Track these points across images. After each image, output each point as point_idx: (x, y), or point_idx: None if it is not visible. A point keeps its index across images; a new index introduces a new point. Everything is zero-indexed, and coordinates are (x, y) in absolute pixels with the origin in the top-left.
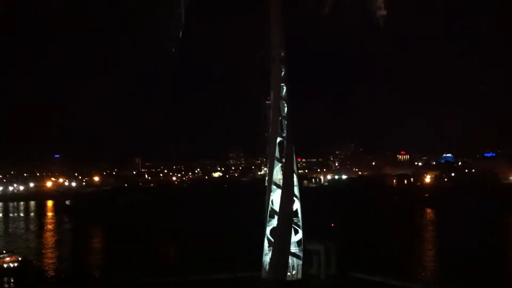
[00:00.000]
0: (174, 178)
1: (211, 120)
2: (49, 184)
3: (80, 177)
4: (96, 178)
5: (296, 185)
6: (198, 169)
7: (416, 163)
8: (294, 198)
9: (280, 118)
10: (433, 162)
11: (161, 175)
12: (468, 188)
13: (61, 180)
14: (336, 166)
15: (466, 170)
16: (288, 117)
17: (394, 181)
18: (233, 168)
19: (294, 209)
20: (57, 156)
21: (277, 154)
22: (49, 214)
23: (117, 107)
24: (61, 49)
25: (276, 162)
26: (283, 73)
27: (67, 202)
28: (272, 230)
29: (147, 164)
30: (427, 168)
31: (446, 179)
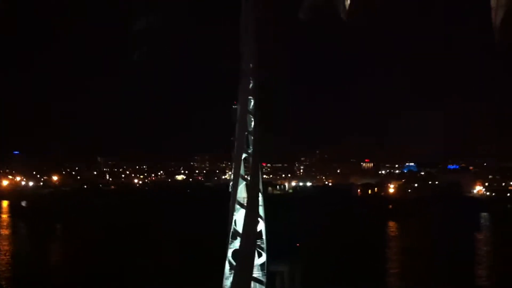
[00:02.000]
0: (136, 181)
1: (178, 120)
2: (5, 183)
3: (38, 176)
4: (55, 178)
5: (261, 205)
6: (161, 172)
7: (380, 171)
8: (259, 218)
9: (246, 133)
10: (397, 171)
11: (123, 176)
12: (433, 200)
13: (18, 178)
14: (301, 172)
15: (430, 182)
16: (255, 132)
17: (359, 190)
18: (196, 171)
19: (259, 230)
20: (16, 152)
21: (242, 171)
22: (3, 216)
23: (85, 102)
24: None
25: (240, 180)
26: (251, 85)
27: (23, 204)
28: (234, 252)
29: (110, 162)
30: (390, 177)
31: (409, 190)
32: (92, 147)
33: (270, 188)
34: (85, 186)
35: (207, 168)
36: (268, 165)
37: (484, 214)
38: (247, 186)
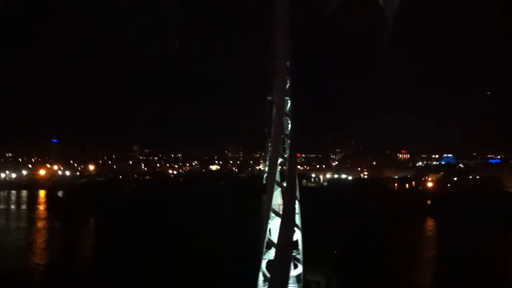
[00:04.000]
0: (170, 171)
1: (212, 110)
2: (42, 172)
3: (75, 165)
4: (92, 167)
5: (298, 213)
6: (195, 162)
7: (416, 163)
8: (295, 228)
9: (282, 136)
10: (434, 162)
11: (157, 165)
12: (473, 195)
13: (55, 167)
14: (336, 164)
15: (470, 177)
16: (292, 136)
17: (396, 184)
18: (231, 161)
19: (295, 239)
20: (55, 141)
21: (277, 177)
22: (41, 207)
23: (118, 91)
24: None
25: (276, 186)
26: (287, 85)
27: (59, 194)
28: (268, 263)
29: (146, 151)
30: (428, 169)
31: (449, 184)
32: (129, 135)
33: (304, 181)
34: (120, 176)
35: (240, 158)
36: (302, 155)
37: None
38: (283, 192)
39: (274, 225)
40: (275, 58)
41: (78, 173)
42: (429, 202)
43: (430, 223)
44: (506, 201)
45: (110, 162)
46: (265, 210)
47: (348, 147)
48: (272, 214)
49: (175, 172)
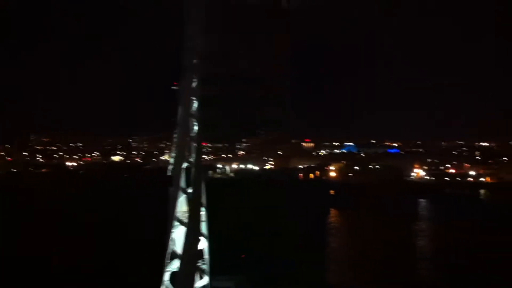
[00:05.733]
0: (69, 163)
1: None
2: None
3: None
4: None
5: (204, 221)
6: (97, 152)
7: (320, 152)
8: (201, 237)
9: (188, 139)
10: (336, 150)
11: (55, 156)
12: (374, 185)
13: None
14: (243, 153)
15: (371, 167)
16: (198, 139)
17: (301, 174)
18: (134, 152)
19: (200, 249)
20: None
21: (182, 183)
22: None
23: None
24: None
25: (180, 192)
26: (194, 84)
27: None
28: (172, 275)
29: (45, 140)
30: (330, 158)
31: (351, 174)
32: (24, 124)
33: (210, 172)
34: (13, 170)
35: (145, 149)
36: (209, 144)
37: (423, 200)
38: (188, 200)
39: (178, 234)
40: (182, 54)
41: None
42: (332, 192)
43: (334, 214)
44: (405, 189)
45: (3, 153)
46: (168, 219)
47: (255, 137)
48: (176, 223)
49: (74, 164)
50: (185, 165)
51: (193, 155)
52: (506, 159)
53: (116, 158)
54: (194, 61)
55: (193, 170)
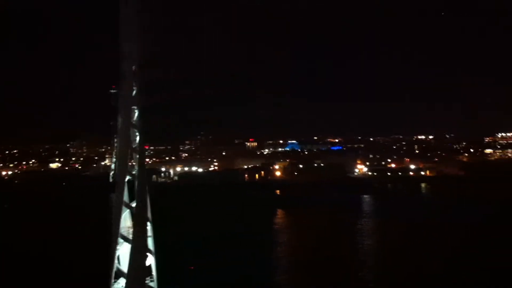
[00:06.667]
0: (4, 173)
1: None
2: None
3: None
4: None
5: (150, 236)
6: (34, 160)
7: (264, 151)
8: (148, 253)
9: (130, 150)
10: (280, 149)
11: None
12: (319, 183)
13: None
14: (186, 155)
15: (316, 165)
16: (141, 150)
17: (246, 175)
18: (73, 158)
19: (147, 265)
20: None
21: (126, 197)
22: None
23: None
24: None
25: (124, 207)
26: (134, 92)
27: None
28: None
29: None
30: (275, 157)
31: (296, 172)
32: None
33: (154, 176)
34: None
35: (84, 154)
36: (151, 147)
37: (366, 196)
38: (132, 215)
39: (123, 251)
40: (120, 60)
41: None
42: (278, 192)
43: (280, 215)
44: (349, 187)
45: None
46: (112, 236)
47: (198, 138)
48: (121, 240)
49: (9, 172)
50: (127, 178)
51: (136, 167)
52: (444, 154)
53: (54, 165)
54: (133, 67)
55: (136, 183)
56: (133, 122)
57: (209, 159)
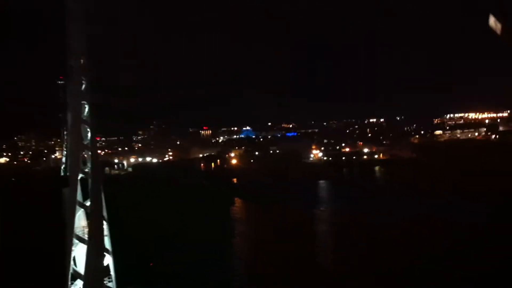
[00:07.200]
0: None
1: None
2: None
3: None
4: None
5: (106, 235)
6: None
7: (218, 139)
8: (105, 252)
9: (81, 147)
10: (234, 136)
11: None
12: (276, 169)
13: None
14: (140, 146)
15: (271, 151)
16: (93, 147)
17: (202, 165)
18: (22, 152)
19: (105, 265)
20: None
21: (79, 196)
22: None
23: None
24: None
25: (77, 207)
26: (83, 86)
27: None
28: None
29: None
30: (230, 145)
31: (252, 160)
32: None
33: (107, 168)
34: None
35: (33, 148)
36: (103, 138)
37: (322, 182)
38: (87, 214)
39: (79, 252)
40: (68, 55)
41: None
42: (235, 180)
43: (238, 204)
44: (305, 173)
45: None
46: (67, 237)
47: (151, 128)
48: (76, 240)
49: None
50: (80, 176)
51: (89, 164)
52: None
53: (1, 160)
54: (81, 61)
55: (90, 181)
56: (84, 118)
57: (164, 149)
